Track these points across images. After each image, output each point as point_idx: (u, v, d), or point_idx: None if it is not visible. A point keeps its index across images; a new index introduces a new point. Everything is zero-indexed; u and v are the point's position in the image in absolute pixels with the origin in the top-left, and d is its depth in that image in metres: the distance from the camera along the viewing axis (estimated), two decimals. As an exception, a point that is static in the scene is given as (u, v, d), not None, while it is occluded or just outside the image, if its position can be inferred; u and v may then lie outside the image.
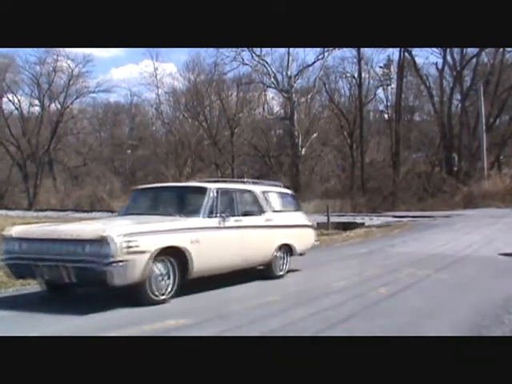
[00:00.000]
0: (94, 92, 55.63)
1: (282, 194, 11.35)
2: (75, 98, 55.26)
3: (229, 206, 9.20)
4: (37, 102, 55.55)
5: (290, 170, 47.49)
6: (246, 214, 9.56)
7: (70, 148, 57.96)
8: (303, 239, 11.25)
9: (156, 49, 51.97)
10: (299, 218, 11.43)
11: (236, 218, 9.21)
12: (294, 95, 46.62)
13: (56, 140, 54.08)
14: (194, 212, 8.69)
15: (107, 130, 60.93)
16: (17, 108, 55.06)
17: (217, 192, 9.01)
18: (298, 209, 11.70)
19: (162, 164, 48.92)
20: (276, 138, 53.33)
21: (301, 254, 11.17)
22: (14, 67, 53.44)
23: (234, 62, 47.35)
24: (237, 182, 10.94)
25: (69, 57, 53.58)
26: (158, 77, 55.15)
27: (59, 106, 54.61)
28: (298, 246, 10.90)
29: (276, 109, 53.73)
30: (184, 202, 9.48)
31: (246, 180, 11.05)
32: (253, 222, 9.73)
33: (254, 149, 50.63)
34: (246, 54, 46.13)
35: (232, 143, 49.51)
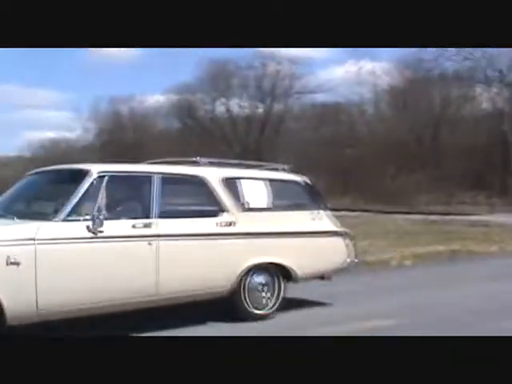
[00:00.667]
0: (312, 92, 56.51)
1: (278, 184, 7.12)
2: (294, 99, 56.69)
3: (135, 203, 6.14)
4: (258, 104, 57.96)
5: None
6: (176, 216, 6.18)
7: (291, 149, 59.50)
8: (317, 255, 7.05)
9: (368, 48, 51.36)
10: (313, 220, 7.16)
11: (143, 221, 5.82)
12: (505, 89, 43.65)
13: (278, 141, 55.87)
14: (45, 212, 5.75)
15: (326, 131, 61.56)
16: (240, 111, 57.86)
17: (109, 179, 5.76)
18: (314, 207, 7.27)
19: (378, 162, 48.08)
20: (488, 135, 49.96)
21: (323, 278, 7.41)
22: (230, 71, 56.24)
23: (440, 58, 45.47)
24: (182, 162, 7.08)
25: (290, 60, 55.06)
26: (373, 76, 54.63)
27: (281, 107, 56.57)
28: (303, 266, 6.85)
29: (486, 105, 50.40)
30: (53, 195, 6.27)
31: (199, 160, 6.89)
32: (185, 228, 6.09)
33: (465, 146, 47.98)
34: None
35: (440, 141, 47.55)
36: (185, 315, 6.38)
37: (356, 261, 7.54)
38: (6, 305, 4.86)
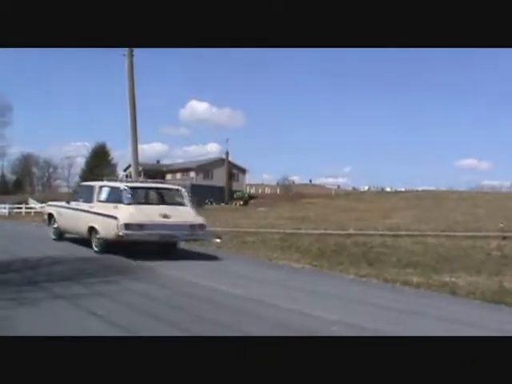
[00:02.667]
0: None
1: (111, 188, 14.90)
2: None
3: (86, 196, 15.42)
4: None
5: None
6: (84, 201, 15.30)
7: None
8: (107, 228, 13.77)
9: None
10: (114, 208, 13.91)
11: (78, 203, 15.77)
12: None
13: None
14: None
15: None
16: None
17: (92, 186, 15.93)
18: (122, 201, 13.95)
19: None
20: None
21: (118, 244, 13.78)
22: None
23: None
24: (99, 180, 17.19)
25: None
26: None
27: None
28: (104, 231, 13.92)
29: None
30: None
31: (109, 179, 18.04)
32: (83, 207, 15.19)
33: None
34: None
35: None
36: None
37: (123, 233, 13.29)
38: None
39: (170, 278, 10.48)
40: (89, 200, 15.02)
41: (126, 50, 22.77)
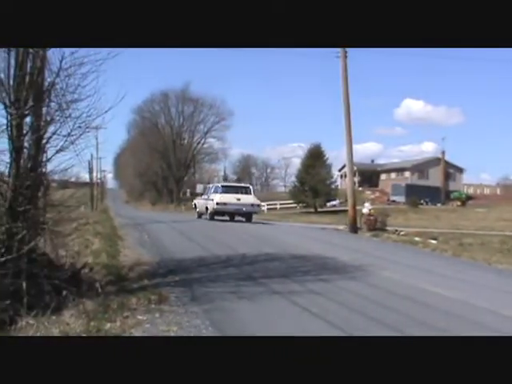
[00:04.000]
0: None
1: (215, 186, 29.79)
2: None
3: (207, 191, 30.33)
4: None
5: None
6: (206, 194, 29.67)
7: None
8: (209, 206, 27.40)
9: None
10: (215, 196, 27.16)
11: (205, 196, 29.67)
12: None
13: None
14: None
15: None
16: None
17: (216, 187, 30.41)
18: (217, 192, 27.63)
19: None
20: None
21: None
22: None
23: None
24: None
25: None
26: None
27: None
28: (209, 207, 27.26)
29: None
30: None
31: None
32: (205, 197, 29.35)
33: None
34: None
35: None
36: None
37: (216, 207, 27.64)
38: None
39: (384, 279, 10.39)
40: (207, 193, 29.30)
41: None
